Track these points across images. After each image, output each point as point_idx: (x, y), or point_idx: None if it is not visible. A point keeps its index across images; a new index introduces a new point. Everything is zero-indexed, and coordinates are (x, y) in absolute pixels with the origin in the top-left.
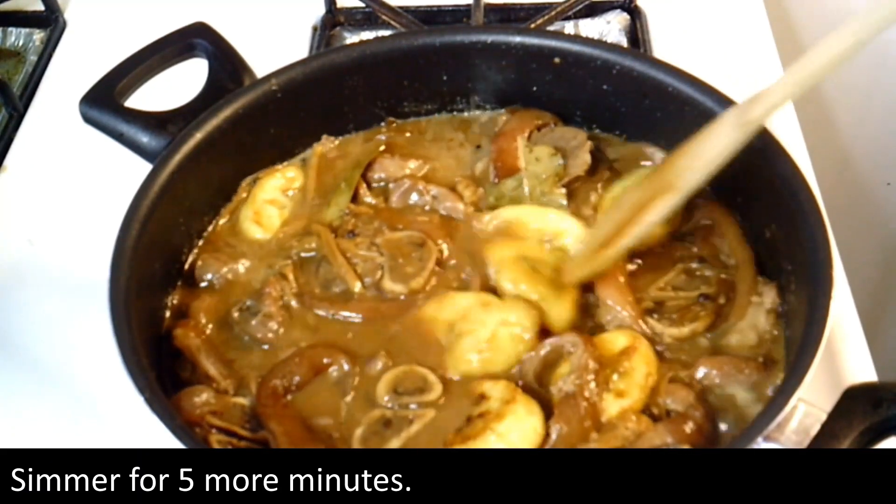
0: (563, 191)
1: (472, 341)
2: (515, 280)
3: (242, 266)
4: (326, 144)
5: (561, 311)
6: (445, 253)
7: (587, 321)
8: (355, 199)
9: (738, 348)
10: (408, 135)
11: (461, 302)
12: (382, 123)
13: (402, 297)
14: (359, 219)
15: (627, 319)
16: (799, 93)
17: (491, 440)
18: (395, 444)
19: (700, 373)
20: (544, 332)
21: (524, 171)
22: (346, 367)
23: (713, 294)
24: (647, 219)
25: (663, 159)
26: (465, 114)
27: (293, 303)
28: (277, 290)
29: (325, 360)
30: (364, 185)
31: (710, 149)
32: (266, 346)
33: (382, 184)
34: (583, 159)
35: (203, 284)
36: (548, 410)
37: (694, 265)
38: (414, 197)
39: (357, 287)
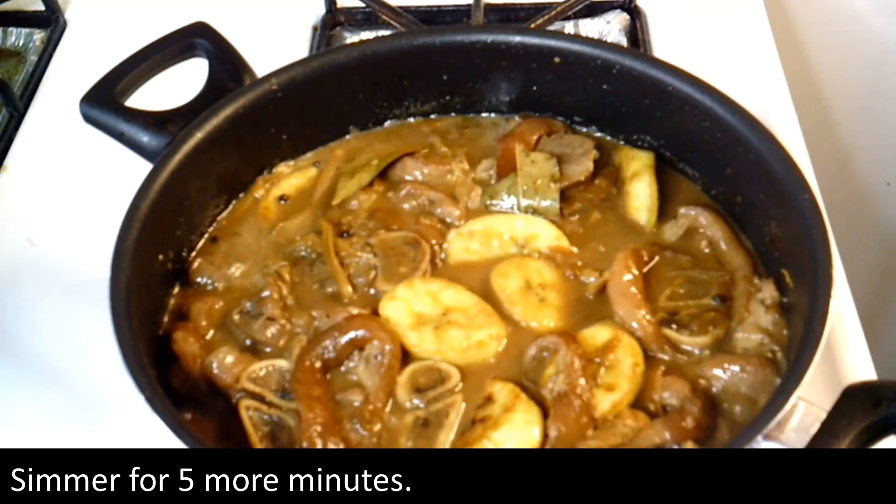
0: (557, 193)
1: (460, 334)
2: (528, 316)
3: (238, 269)
4: (351, 142)
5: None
6: (441, 255)
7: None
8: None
9: (743, 348)
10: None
11: (467, 299)
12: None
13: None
14: (355, 218)
15: (642, 332)
16: None
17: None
18: (443, 439)
19: (706, 374)
20: None
21: (519, 171)
22: (384, 343)
23: (727, 294)
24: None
25: None
26: (469, 115)
27: (290, 302)
28: (278, 292)
29: (364, 334)
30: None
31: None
32: (269, 349)
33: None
34: (585, 166)
35: (200, 286)
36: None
37: (694, 272)
38: (412, 201)
39: (348, 291)
